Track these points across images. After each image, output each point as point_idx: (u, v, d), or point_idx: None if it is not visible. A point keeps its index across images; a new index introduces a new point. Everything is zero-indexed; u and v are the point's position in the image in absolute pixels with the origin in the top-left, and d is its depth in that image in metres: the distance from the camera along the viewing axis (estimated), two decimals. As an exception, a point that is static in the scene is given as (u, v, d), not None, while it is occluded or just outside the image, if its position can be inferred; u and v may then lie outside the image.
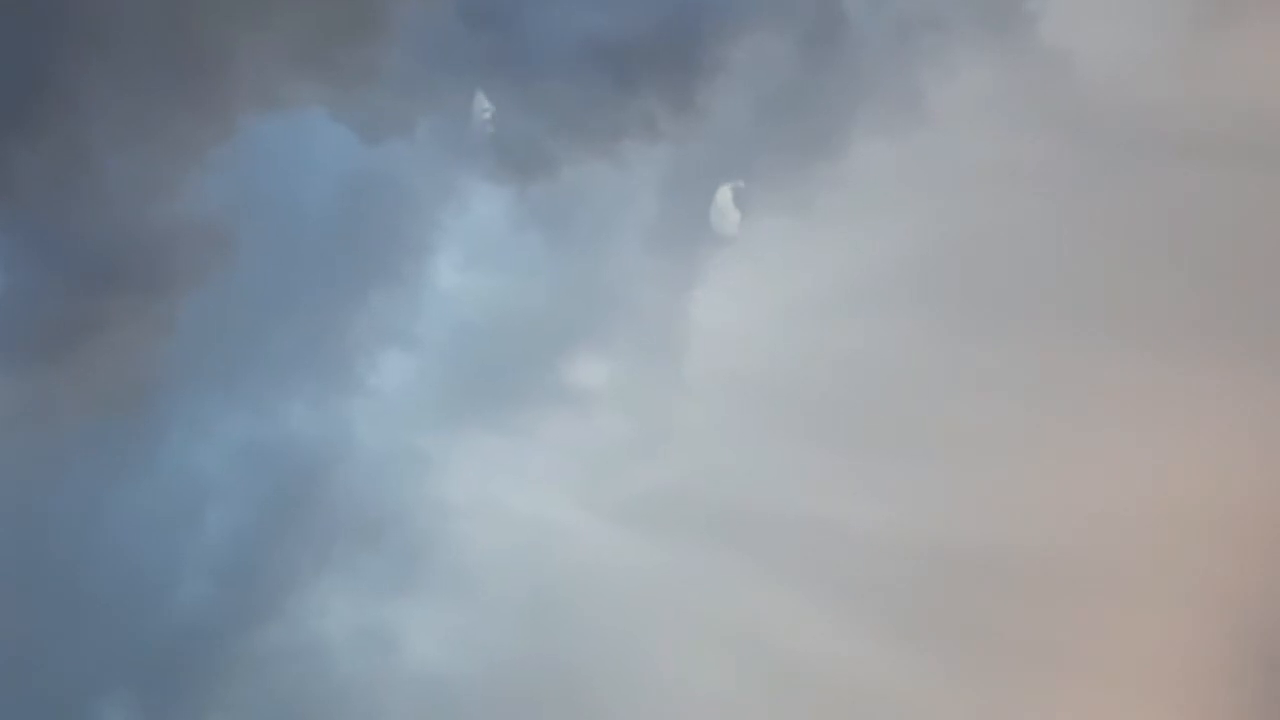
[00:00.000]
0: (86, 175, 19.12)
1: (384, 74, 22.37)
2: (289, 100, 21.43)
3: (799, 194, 27.97)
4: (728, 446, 28.92)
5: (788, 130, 27.82)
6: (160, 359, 22.27)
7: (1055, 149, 29.28)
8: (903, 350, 29.18)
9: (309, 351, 25.87)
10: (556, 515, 28.11)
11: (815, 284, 29.15)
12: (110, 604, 24.24)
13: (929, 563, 27.84)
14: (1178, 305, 28.72)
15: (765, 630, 27.74)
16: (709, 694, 27.16)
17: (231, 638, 24.92)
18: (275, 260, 24.74)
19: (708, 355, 28.65)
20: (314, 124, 23.93)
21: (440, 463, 27.11)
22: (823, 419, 29.27)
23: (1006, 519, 27.88)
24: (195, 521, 25.16)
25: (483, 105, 25.33)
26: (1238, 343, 28.41)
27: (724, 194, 28.60)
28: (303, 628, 25.42)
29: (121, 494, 24.44)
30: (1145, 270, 28.84)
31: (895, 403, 29.06)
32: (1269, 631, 27.18)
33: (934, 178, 29.21)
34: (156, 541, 24.73)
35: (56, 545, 24.12)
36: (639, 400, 28.60)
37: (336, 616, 25.83)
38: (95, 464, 23.96)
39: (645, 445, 28.39)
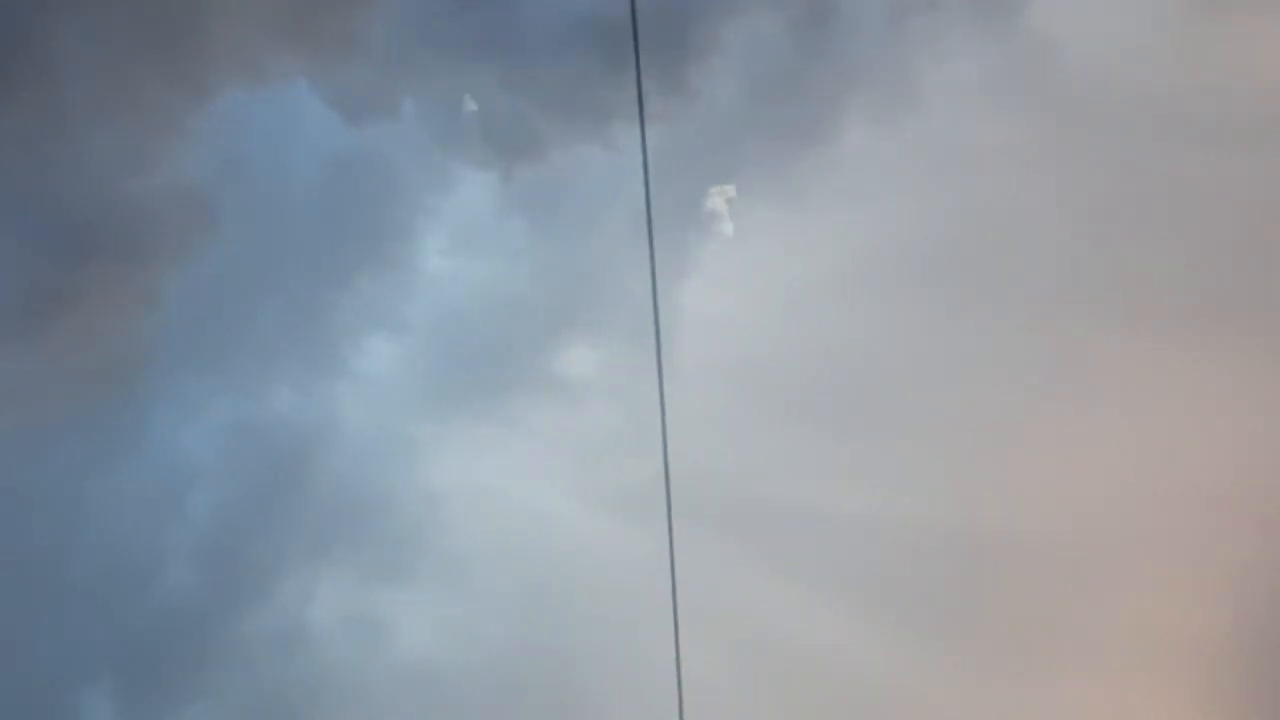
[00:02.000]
0: (63, 143, 18.86)
1: (369, 49, 22.13)
2: (272, 73, 21.19)
3: (790, 179, 27.76)
4: (719, 435, 28.63)
5: (779, 115, 27.59)
6: (142, 338, 21.99)
7: (1048, 133, 29.18)
8: (897, 336, 29.03)
9: (293, 333, 25.62)
10: (545, 503, 27.86)
11: (807, 270, 28.97)
12: (92, 589, 23.95)
13: (925, 550, 27.69)
14: (1173, 287, 28.58)
15: (759, 618, 27.51)
16: (701, 683, 26.81)
17: (216, 623, 24.65)
18: (258, 238, 24.49)
19: (698, 343, 28.35)
20: (298, 100, 23.75)
21: (427, 449, 26.88)
22: (816, 406, 29.09)
23: (1005, 504, 27.74)
24: (179, 506, 24.88)
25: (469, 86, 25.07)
26: (1236, 323, 28.27)
27: (715, 198, 28.39)
28: (288, 614, 25.16)
29: (103, 477, 24.14)
30: (1140, 253, 28.71)
31: (890, 389, 28.91)
32: (1277, 614, 26.99)
33: (926, 163, 29.06)
34: (139, 526, 24.47)
35: (36, 530, 23.79)
36: (628, 388, 28.30)
37: (322, 603, 25.61)
38: (75, 445, 23.64)
39: (635, 433, 28.06)
